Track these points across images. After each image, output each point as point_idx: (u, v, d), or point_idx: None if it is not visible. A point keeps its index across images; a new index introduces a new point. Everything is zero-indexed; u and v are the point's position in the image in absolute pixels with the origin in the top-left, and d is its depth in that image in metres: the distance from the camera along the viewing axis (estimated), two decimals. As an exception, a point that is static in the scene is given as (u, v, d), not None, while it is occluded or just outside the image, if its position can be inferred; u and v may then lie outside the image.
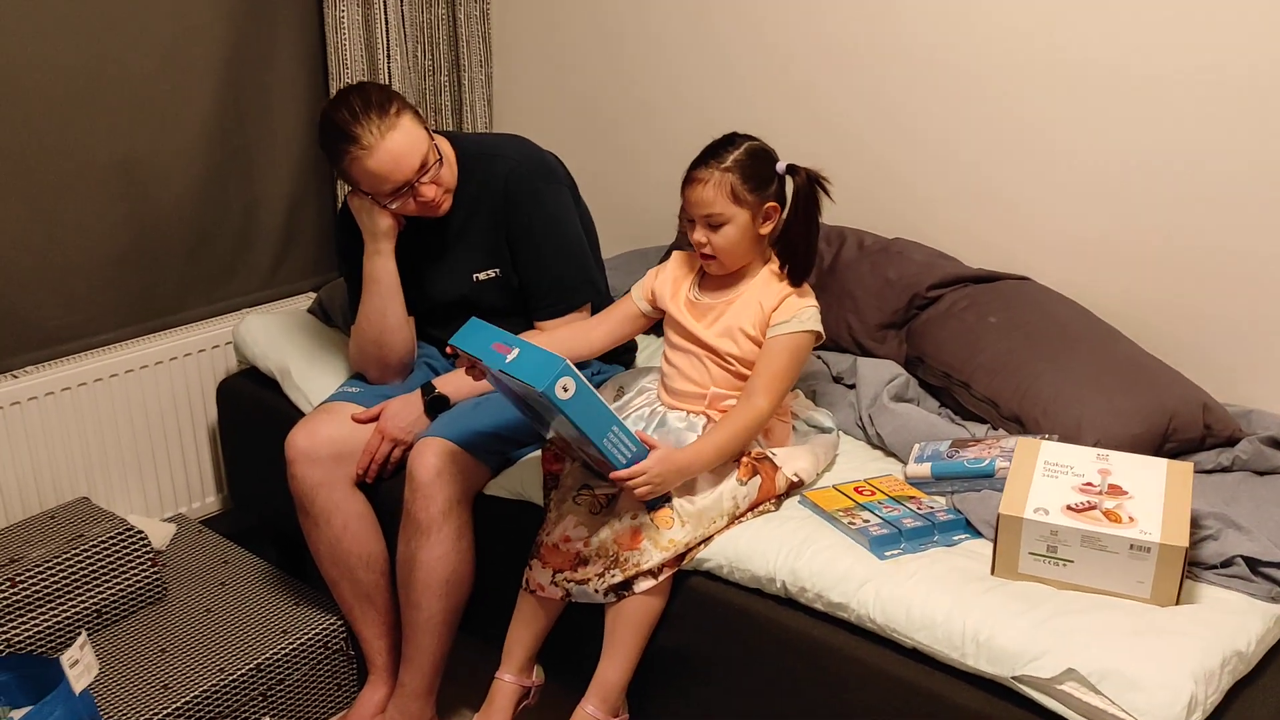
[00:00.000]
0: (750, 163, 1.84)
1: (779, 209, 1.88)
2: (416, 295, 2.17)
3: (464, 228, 2.13)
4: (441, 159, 2.02)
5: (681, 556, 1.76)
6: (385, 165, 1.93)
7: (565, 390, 1.61)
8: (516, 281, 2.15)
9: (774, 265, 1.92)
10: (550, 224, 2.12)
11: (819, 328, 1.89)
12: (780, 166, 1.87)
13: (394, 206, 2.01)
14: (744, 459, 1.83)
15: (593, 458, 1.76)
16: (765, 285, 1.89)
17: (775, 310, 1.86)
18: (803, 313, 1.86)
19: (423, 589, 1.94)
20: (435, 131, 2.09)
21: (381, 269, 2.08)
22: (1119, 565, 1.56)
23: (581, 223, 2.20)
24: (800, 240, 1.88)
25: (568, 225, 2.14)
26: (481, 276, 2.15)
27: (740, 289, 1.91)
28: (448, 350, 1.78)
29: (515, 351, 1.65)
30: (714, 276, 1.93)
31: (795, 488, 1.88)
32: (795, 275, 1.90)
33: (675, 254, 2.03)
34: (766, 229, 1.88)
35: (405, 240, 2.11)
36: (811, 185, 1.86)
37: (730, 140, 1.87)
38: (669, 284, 1.98)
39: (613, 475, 1.70)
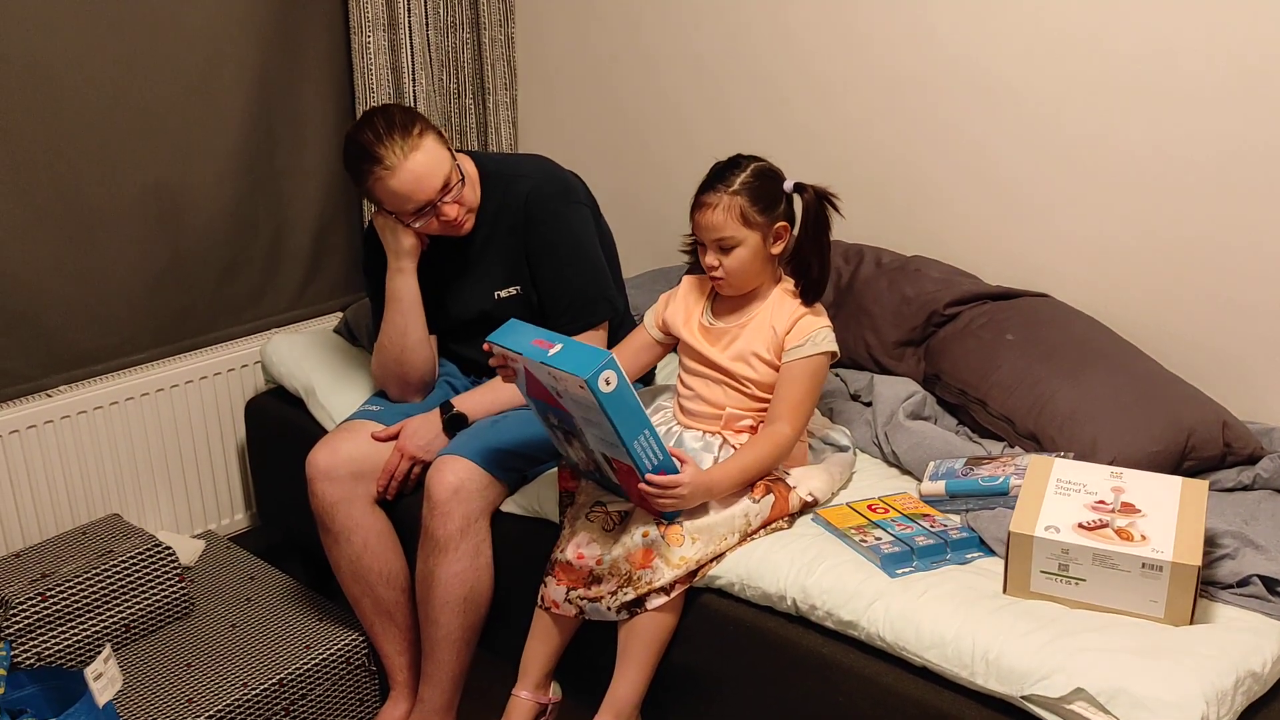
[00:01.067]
0: (758, 184, 1.85)
1: (789, 228, 1.89)
2: (439, 313, 2.21)
3: (485, 246, 2.16)
4: (464, 179, 2.06)
5: (693, 573, 1.77)
6: (408, 185, 1.97)
7: (608, 383, 1.61)
8: (537, 299, 2.17)
9: (786, 285, 1.93)
10: (570, 242, 2.14)
11: (834, 347, 1.89)
12: (788, 185, 1.88)
13: (417, 225, 2.05)
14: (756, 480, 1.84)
15: (616, 468, 1.76)
16: (778, 306, 1.90)
17: (789, 334, 1.87)
18: (816, 334, 1.87)
19: (441, 605, 1.96)
20: (458, 151, 2.13)
21: (403, 287, 2.12)
22: (1131, 584, 1.55)
23: (601, 242, 2.22)
24: (813, 257, 1.89)
25: (587, 243, 2.17)
26: (503, 294, 2.18)
27: (753, 311, 1.92)
28: (484, 347, 1.79)
29: (558, 346, 1.67)
30: (727, 299, 1.94)
31: (809, 506, 1.88)
32: (810, 293, 1.91)
33: (686, 279, 2.04)
34: (778, 249, 1.89)
35: (428, 258, 2.15)
36: (820, 202, 1.87)
37: (736, 163, 1.88)
38: (681, 310, 2.00)
39: (649, 477, 1.69)
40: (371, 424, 2.13)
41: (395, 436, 2.10)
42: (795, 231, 1.90)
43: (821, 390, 1.93)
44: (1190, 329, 2.11)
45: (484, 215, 2.14)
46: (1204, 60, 2.00)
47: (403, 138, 1.96)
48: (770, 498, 1.82)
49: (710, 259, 1.87)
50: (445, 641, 1.99)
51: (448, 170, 2.01)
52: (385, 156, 1.95)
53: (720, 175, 1.86)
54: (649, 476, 1.69)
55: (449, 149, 2.04)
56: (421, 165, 1.97)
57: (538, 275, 2.15)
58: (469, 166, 2.13)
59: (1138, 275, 2.16)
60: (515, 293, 2.17)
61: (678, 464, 1.73)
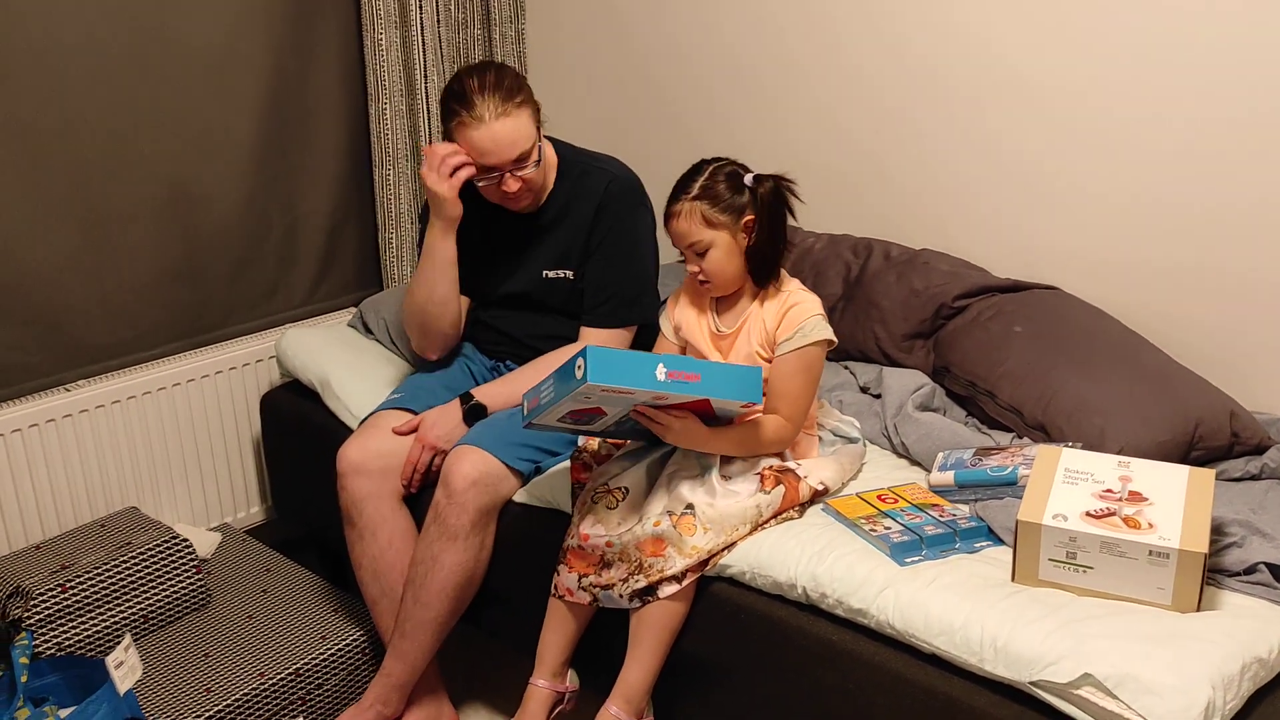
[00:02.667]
0: (714, 186, 1.88)
1: (754, 219, 1.90)
2: (482, 281, 2.25)
3: (549, 226, 2.20)
4: (540, 160, 2.10)
5: (705, 562, 1.79)
6: (486, 143, 2.01)
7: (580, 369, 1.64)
8: (578, 287, 2.21)
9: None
10: (631, 241, 2.19)
11: (827, 334, 1.89)
12: (748, 179, 1.90)
13: (480, 184, 2.08)
14: (767, 470, 1.86)
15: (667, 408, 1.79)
16: (765, 301, 1.93)
17: (779, 327, 1.89)
18: (805, 324, 1.88)
19: (438, 591, 1.98)
20: (545, 136, 2.17)
21: (437, 243, 2.14)
22: (1139, 571, 1.56)
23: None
24: (764, 244, 1.90)
25: (645, 248, 2.22)
26: (551, 274, 2.21)
27: (747, 309, 1.95)
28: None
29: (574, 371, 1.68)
30: (728, 299, 1.97)
31: (819, 495, 1.90)
32: (759, 277, 1.92)
33: (686, 280, 2.06)
34: (746, 237, 1.91)
35: (491, 226, 2.20)
36: (775, 193, 1.90)
37: (698, 169, 1.92)
38: (690, 312, 2.03)
39: (646, 409, 1.74)
40: (399, 415, 2.15)
41: (416, 430, 2.12)
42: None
43: (820, 378, 1.93)
44: (1198, 320, 2.12)
45: (554, 198, 2.19)
46: (1214, 55, 2.01)
47: (503, 100, 2.00)
48: (781, 489, 1.84)
49: (691, 265, 1.91)
50: (432, 624, 2.00)
51: (528, 147, 2.05)
52: (478, 107, 1.99)
53: (682, 185, 1.90)
54: (646, 409, 1.75)
55: (539, 128, 2.08)
56: (506, 132, 2.00)
57: (591, 263, 2.18)
58: (548, 152, 2.17)
59: (1145, 267, 2.17)
60: (562, 276, 2.20)
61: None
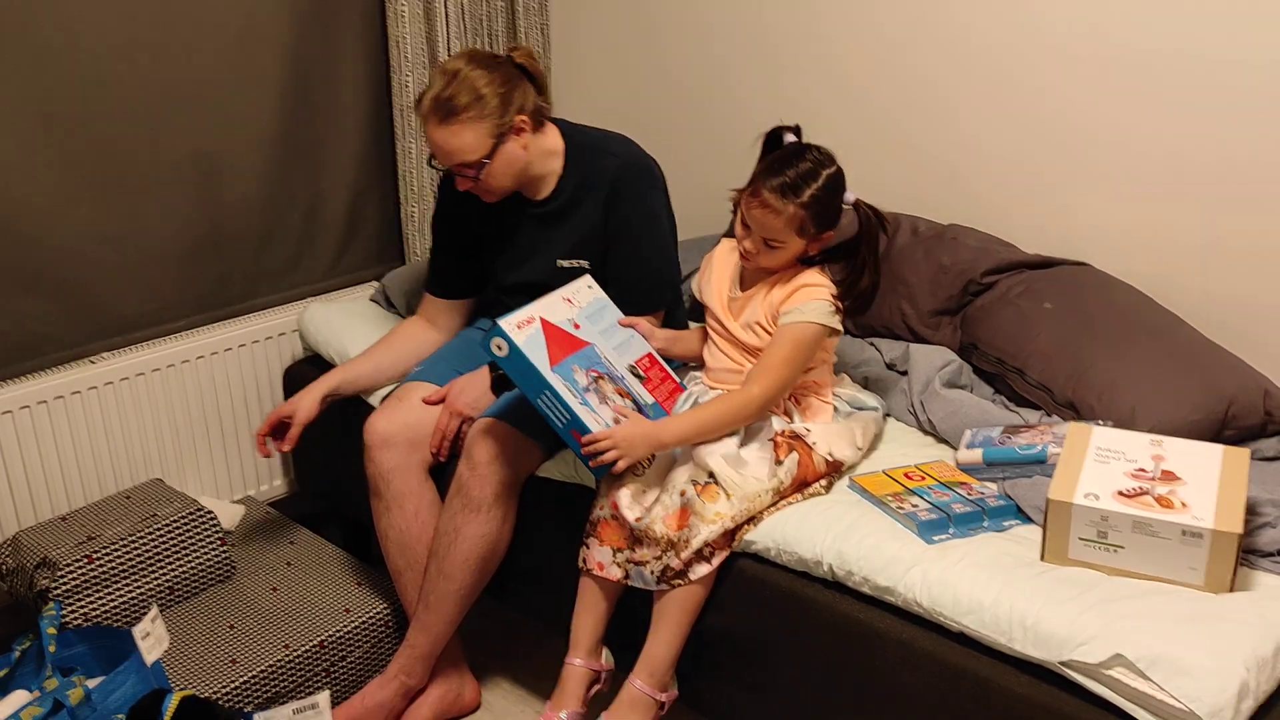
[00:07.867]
0: (825, 199, 1.83)
1: (834, 236, 1.90)
2: (501, 272, 2.24)
3: (560, 215, 2.18)
4: (489, 163, 2.03)
5: (731, 537, 1.78)
6: (433, 144, 2.05)
7: (499, 349, 1.79)
8: (601, 277, 2.18)
9: (811, 269, 1.93)
10: (648, 225, 2.16)
11: (829, 322, 1.87)
12: (849, 198, 1.87)
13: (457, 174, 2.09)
14: (779, 438, 1.84)
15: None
16: (784, 278, 1.92)
17: (784, 301, 1.89)
18: (808, 305, 1.86)
19: (461, 563, 1.98)
20: (549, 119, 2.15)
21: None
22: (1171, 551, 1.55)
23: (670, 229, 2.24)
24: (866, 271, 1.88)
25: (662, 230, 2.19)
26: (565, 264, 2.18)
27: (767, 282, 1.94)
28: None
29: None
30: (751, 271, 1.97)
31: (838, 466, 1.89)
32: (859, 306, 1.91)
33: (723, 242, 2.05)
34: (814, 249, 1.91)
35: (501, 215, 2.19)
36: (875, 222, 1.87)
37: (812, 171, 1.82)
38: (712, 279, 2.02)
39: (582, 440, 1.77)
40: (425, 386, 2.15)
41: (444, 399, 2.11)
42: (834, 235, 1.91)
43: (807, 361, 1.90)
44: (1231, 297, 2.09)
45: (565, 186, 2.16)
46: (1250, 24, 1.97)
47: (441, 121, 1.99)
48: (795, 455, 1.82)
49: (749, 245, 1.88)
50: (455, 596, 2.01)
51: (470, 159, 2.02)
52: (422, 111, 2.02)
53: (792, 183, 1.81)
54: (582, 439, 1.78)
55: (495, 137, 2.02)
56: (442, 142, 2.02)
57: (612, 253, 2.15)
58: (552, 139, 2.14)
59: (1177, 243, 2.14)
60: (577, 265, 2.17)
61: (593, 425, 1.77)
